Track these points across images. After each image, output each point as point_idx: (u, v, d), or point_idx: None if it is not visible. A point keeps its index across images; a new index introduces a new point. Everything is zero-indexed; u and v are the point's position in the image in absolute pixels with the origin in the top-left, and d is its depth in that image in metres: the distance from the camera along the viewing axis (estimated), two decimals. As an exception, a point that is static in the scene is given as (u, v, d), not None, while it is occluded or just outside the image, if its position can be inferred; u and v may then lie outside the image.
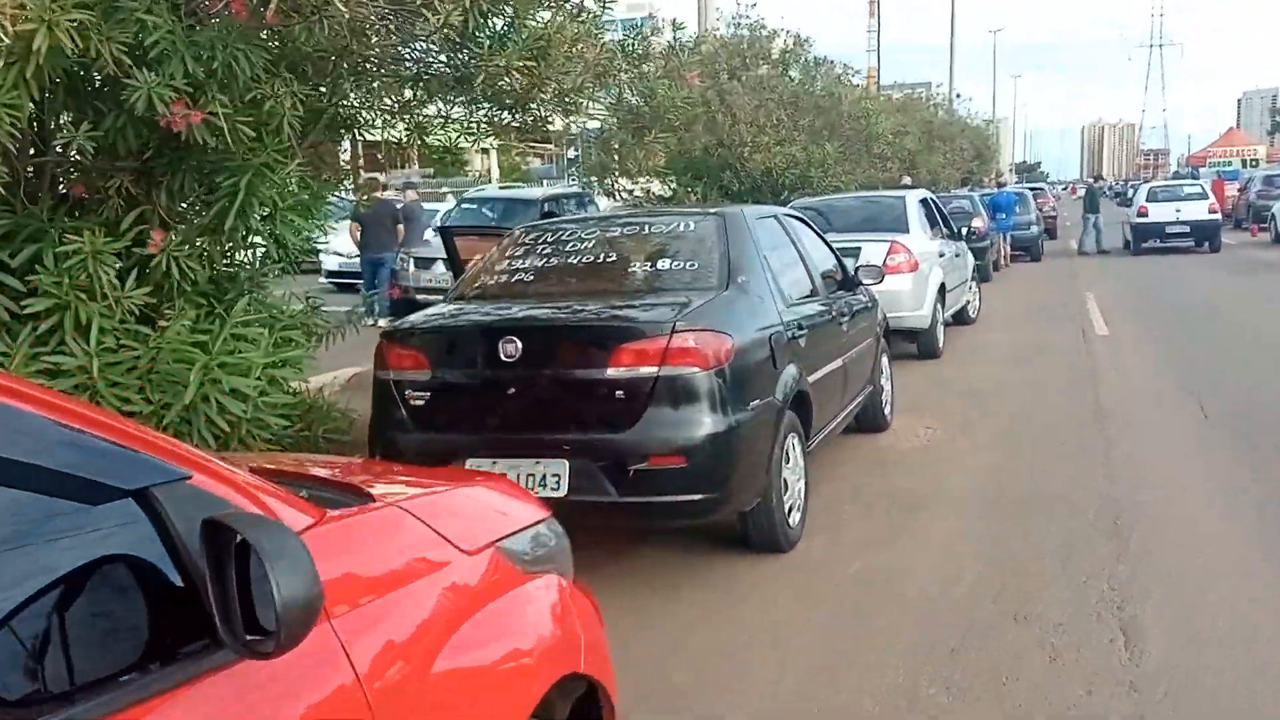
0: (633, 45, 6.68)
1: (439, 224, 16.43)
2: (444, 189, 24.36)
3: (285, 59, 4.83)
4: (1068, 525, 4.94)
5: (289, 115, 4.56)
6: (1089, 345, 10.55)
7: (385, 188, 14.09)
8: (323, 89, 5.43)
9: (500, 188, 22.63)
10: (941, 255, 10.64)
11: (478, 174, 43.19)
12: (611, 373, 4.02)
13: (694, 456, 4.00)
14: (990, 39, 69.65)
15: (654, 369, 3.99)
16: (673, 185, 15.31)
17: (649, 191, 16.48)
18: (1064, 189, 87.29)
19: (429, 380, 4.30)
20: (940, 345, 10.29)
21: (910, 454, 6.51)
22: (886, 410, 7.18)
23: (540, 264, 4.88)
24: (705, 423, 4.02)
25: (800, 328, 4.99)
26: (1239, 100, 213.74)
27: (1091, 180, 34.10)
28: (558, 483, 4.05)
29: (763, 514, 4.50)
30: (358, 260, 13.40)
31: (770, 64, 16.08)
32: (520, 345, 4.12)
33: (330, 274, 15.41)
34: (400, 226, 12.96)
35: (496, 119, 6.99)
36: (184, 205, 4.86)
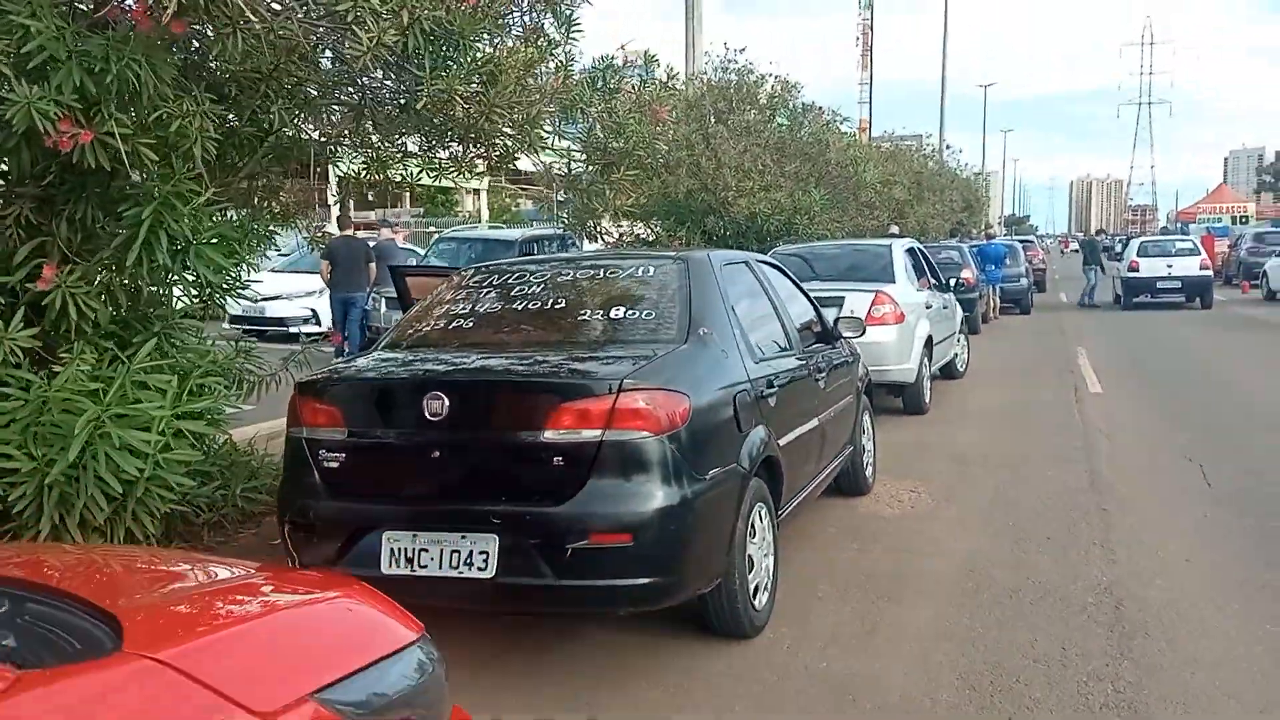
0: (603, 79, 6.27)
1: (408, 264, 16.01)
2: (431, 229, 23.94)
3: (202, 79, 4.37)
4: (1063, 623, 4.42)
5: (201, 138, 4.09)
6: (1082, 405, 10.09)
7: (355, 226, 13.62)
8: (259, 114, 4.97)
9: (489, 227, 22.19)
10: (929, 307, 10.21)
11: (467, 215, 42.94)
12: (549, 436, 3.52)
13: (642, 534, 3.49)
14: (980, 93, 70.11)
15: (597, 433, 3.49)
16: (656, 228, 14.92)
17: (635, 235, 16.15)
18: (1054, 242, 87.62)
19: (344, 440, 3.79)
20: (927, 401, 9.82)
21: (891, 524, 6.00)
22: (868, 472, 6.68)
23: (483, 309, 4.39)
24: (656, 495, 3.52)
25: (771, 385, 4.51)
26: (1225, 159, 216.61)
27: (1094, 234, 33.91)
28: (485, 562, 3.53)
29: (723, 596, 3.98)
30: (263, 305, 13.21)
31: (757, 109, 15.76)
32: (447, 403, 3.62)
33: (234, 319, 13.62)
34: (372, 265, 12.48)
35: (460, 155, 6.59)
36: (86, 237, 4.37)
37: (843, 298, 9.25)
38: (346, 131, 5.64)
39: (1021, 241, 27.33)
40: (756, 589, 4.20)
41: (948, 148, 33.06)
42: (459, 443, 3.64)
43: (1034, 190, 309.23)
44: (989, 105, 68.75)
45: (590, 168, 6.73)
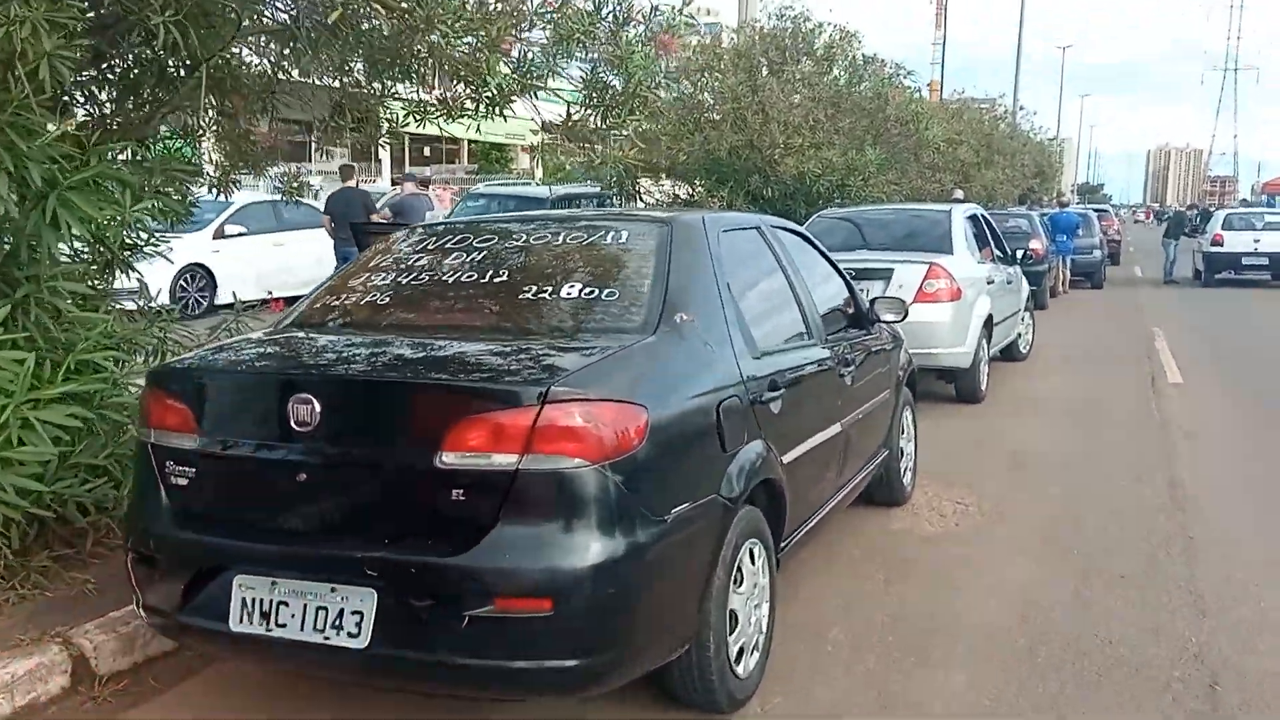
0: (609, 4, 5.28)
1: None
2: (480, 185, 23.07)
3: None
4: (1140, 707, 3.42)
5: (52, 54, 3.19)
6: (1160, 399, 8.92)
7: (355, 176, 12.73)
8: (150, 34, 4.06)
9: (520, 184, 21.19)
10: (990, 282, 9.08)
11: (520, 172, 42.09)
12: (448, 460, 2.60)
13: (567, 600, 2.56)
14: (1059, 55, 67.23)
15: (512, 458, 2.56)
16: (699, 188, 13.86)
17: (675, 195, 15.11)
18: (1129, 212, 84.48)
19: (195, 450, 2.90)
20: (983, 388, 8.73)
21: (930, 546, 5.00)
22: (906, 478, 5.68)
23: (409, 280, 3.46)
24: (589, 546, 2.58)
25: (775, 386, 3.53)
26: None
27: (1186, 207, 31.97)
28: (358, 625, 2.63)
29: (692, 665, 3.05)
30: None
31: (813, 60, 14.57)
32: (317, 408, 2.71)
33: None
34: (375, 217, 11.63)
35: (451, 96, 5.66)
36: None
37: (891, 269, 8.20)
38: (286, 60, 4.72)
39: (1097, 210, 25.72)
40: (741, 651, 3.26)
41: (1020, 109, 31.31)
42: (331, 463, 2.74)
43: (1109, 158, 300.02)
44: (1067, 69, 65.84)
45: (588, 112, 5.74)
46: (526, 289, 3.23)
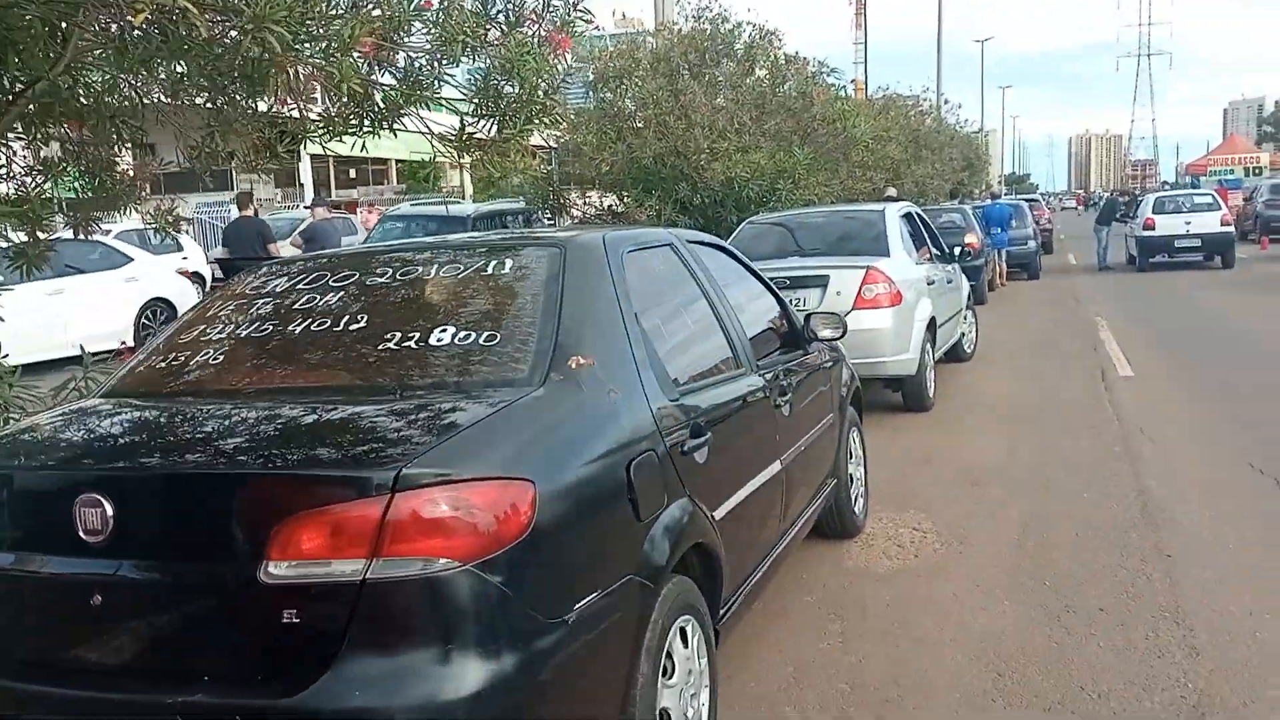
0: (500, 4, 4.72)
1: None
2: (398, 207, 22.20)
3: None
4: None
5: None
6: (1113, 394, 8.56)
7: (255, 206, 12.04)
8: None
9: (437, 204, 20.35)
10: (930, 282, 8.66)
11: (449, 191, 41.33)
12: (276, 572, 2.01)
13: (439, 746, 1.98)
14: (977, 50, 67.99)
15: (358, 565, 1.99)
16: (626, 199, 13.33)
17: (607, 208, 14.59)
18: (1056, 200, 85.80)
19: (-38, 569, 2.27)
20: (931, 395, 8.30)
21: (887, 585, 4.49)
22: (858, 506, 5.18)
23: (245, 335, 2.86)
24: (465, 673, 2.01)
25: (700, 431, 2.99)
26: (1225, 110, 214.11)
27: (1115, 193, 32.17)
28: (172, 794, 2.03)
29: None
30: None
31: (735, 61, 14.16)
32: (109, 512, 2.11)
33: None
34: (272, 247, 10.91)
35: (336, 112, 5.08)
36: None
37: (827, 276, 7.73)
38: (122, 75, 4.08)
39: (1028, 200, 25.73)
40: (674, 753, 2.71)
41: (945, 102, 31.32)
42: (131, 582, 2.13)
43: (1033, 148, 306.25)
44: (986, 62, 66.53)
45: (482, 123, 5.17)
46: (388, 337, 2.64)
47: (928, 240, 9.38)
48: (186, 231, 9.00)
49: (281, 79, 3.44)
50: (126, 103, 4.75)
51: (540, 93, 4.84)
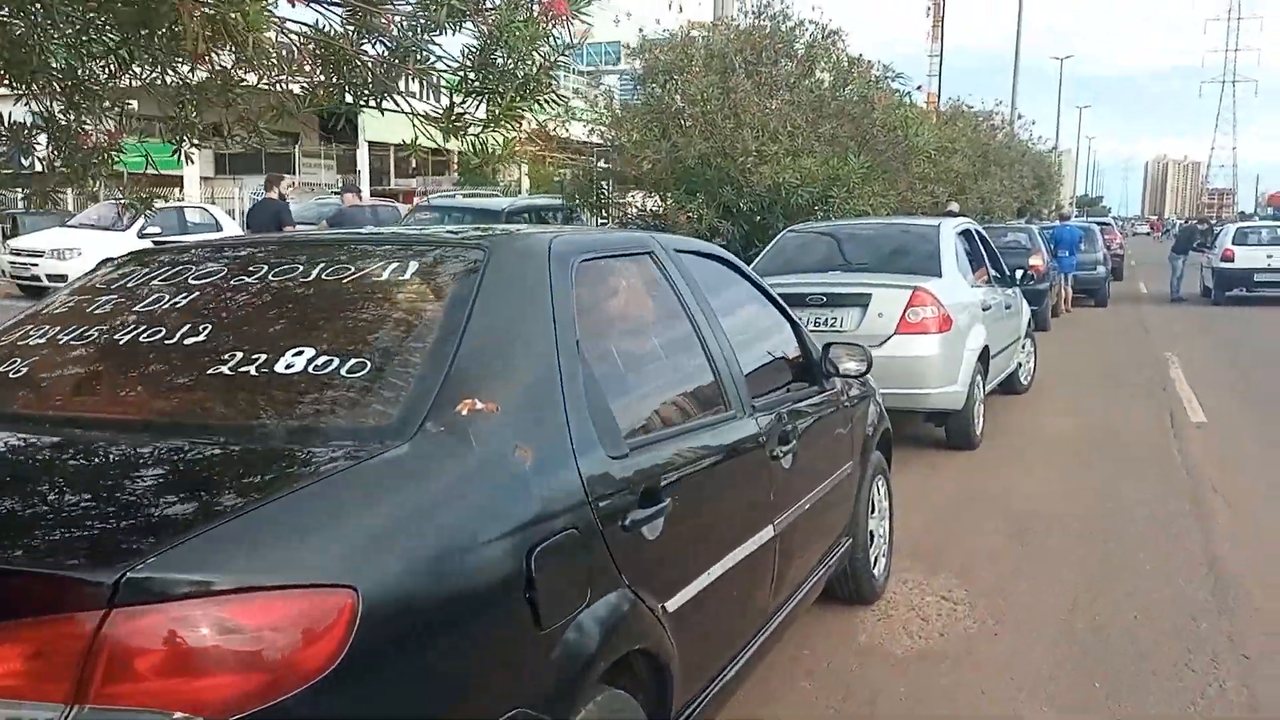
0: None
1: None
2: (431, 197, 21.62)
3: None
4: None
5: None
6: (1182, 441, 7.71)
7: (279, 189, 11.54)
8: None
9: (464, 195, 19.71)
10: (986, 308, 7.87)
11: (508, 185, 41.03)
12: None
13: None
14: (1055, 67, 66.25)
15: (50, 713, 1.34)
16: (669, 200, 12.65)
17: (648, 210, 13.96)
18: (1132, 224, 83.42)
19: None
20: (978, 432, 7.52)
21: (902, 675, 3.78)
22: (878, 569, 4.45)
23: (66, 339, 2.25)
24: None
25: (653, 497, 2.31)
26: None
27: (1190, 220, 30.79)
28: None
29: None
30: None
31: (794, 61, 13.41)
32: None
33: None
34: (288, 230, 10.40)
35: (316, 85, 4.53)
36: None
37: (869, 295, 7.00)
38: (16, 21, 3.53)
39: (1099, 223, 24.58)
40: None
41: (1019, 117, 30.14)
42: None
43: (1108, 171, 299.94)
44: (1064, 81, 64.72)
45: (470, 101, 4.54)
46: (226, 357, 2.00)
47: (986, 261, 8.59)
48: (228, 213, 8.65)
49: (191, 28, 2.84)
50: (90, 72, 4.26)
51: (534, 66, 4.22)
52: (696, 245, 3.42)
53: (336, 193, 12.38)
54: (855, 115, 12.81)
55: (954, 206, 14.41)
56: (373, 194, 31.39)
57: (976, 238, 8.59)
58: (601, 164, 13.54)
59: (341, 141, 36.50)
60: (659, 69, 12.81)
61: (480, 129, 4.49)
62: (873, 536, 4.34)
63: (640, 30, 13.83)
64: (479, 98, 4.29)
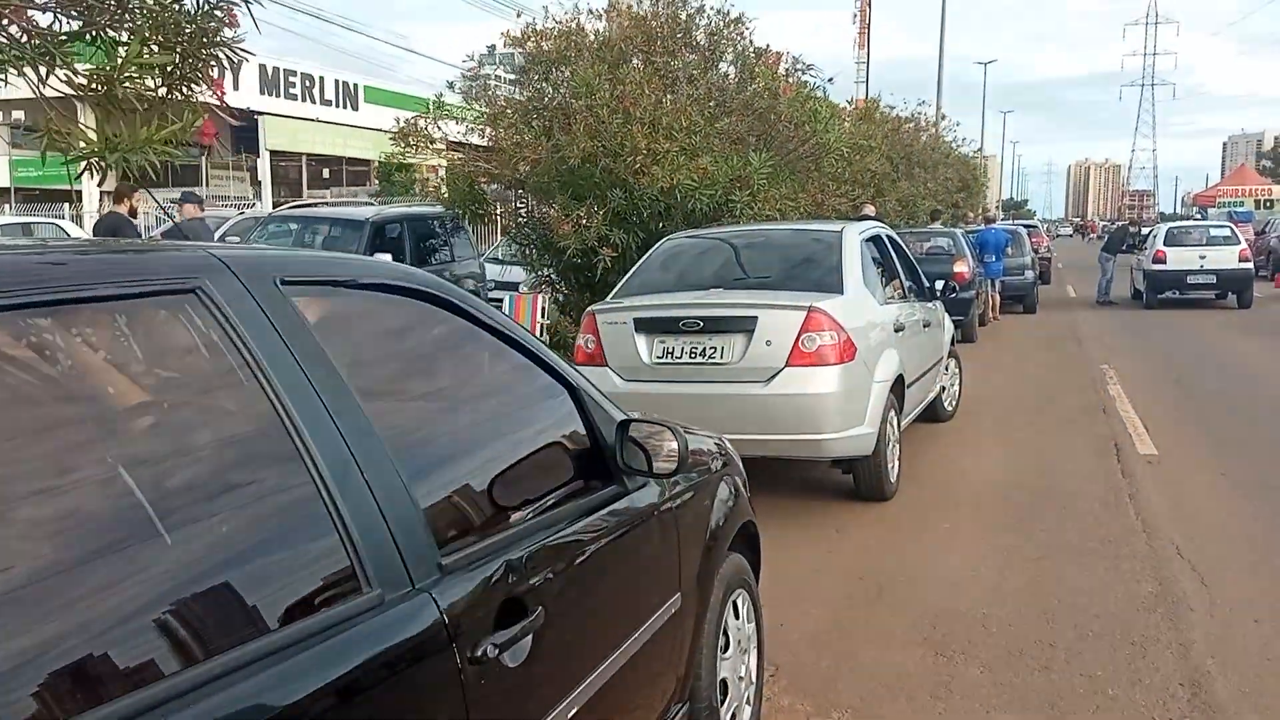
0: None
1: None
2: (285, 207, 19.84)
3: None
4: None
5: None
6: (1134, 483, 6.50)
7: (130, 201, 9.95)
8: None
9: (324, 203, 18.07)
10: (900, 328, 6.59)
11: (430, 192, 39.19)
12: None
13: None
14: (979, 74, 66.26)
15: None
16: (553, 207, 11.23)
17: (534, 216, 12.57)
18: (1055, 226, 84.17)
19: None
20: (894, 478, 6.22)
21: None
22: (739, 723, 3.09)
23: None
24: None
25: None
26: (1225, 144, 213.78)
27: (1125, 222, 30.21)
28: None
29: None
30: None
31: (697, 52, 12.11)
32: None
33: None
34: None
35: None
36: None
37: (754, 318, 5.66)
38: None
39: (1025, 227, 23.75)
40: None
41: (943, 117, 29.24)
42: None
43: (1032, 175, 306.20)
44: (988, 88, 64.61)
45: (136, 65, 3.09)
46: None
47: (900, 272, 7.31)
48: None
49: None
50: None
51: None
52: (361, 271, 2.00)
53: (174, 202, 10.81)
54: (760, 109, 11.51)
55: (869, 210, 13.22)
56: (284, 206, 29.14)
57: (889, 244, 7.32)
58: (482, 165, 12.09)
59: (253, 152, 34.62)
60: (541, 60, 11.41)
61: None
62: (725, 692, 2.96)
63: (519, 15, 12.47)
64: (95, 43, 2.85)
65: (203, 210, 10.86)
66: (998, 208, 67.71)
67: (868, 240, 6.84)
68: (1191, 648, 3.93)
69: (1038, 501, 6.14)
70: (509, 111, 11.22)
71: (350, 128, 37.51)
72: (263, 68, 32.92)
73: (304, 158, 39.33)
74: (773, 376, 5.55)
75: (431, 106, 11.40)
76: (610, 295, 6.59)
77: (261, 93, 33.22)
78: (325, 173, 42.07)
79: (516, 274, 13.44)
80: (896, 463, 6.33)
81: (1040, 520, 5.75)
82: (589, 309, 6.16)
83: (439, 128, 11.60)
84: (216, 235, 16.65)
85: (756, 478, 6.43)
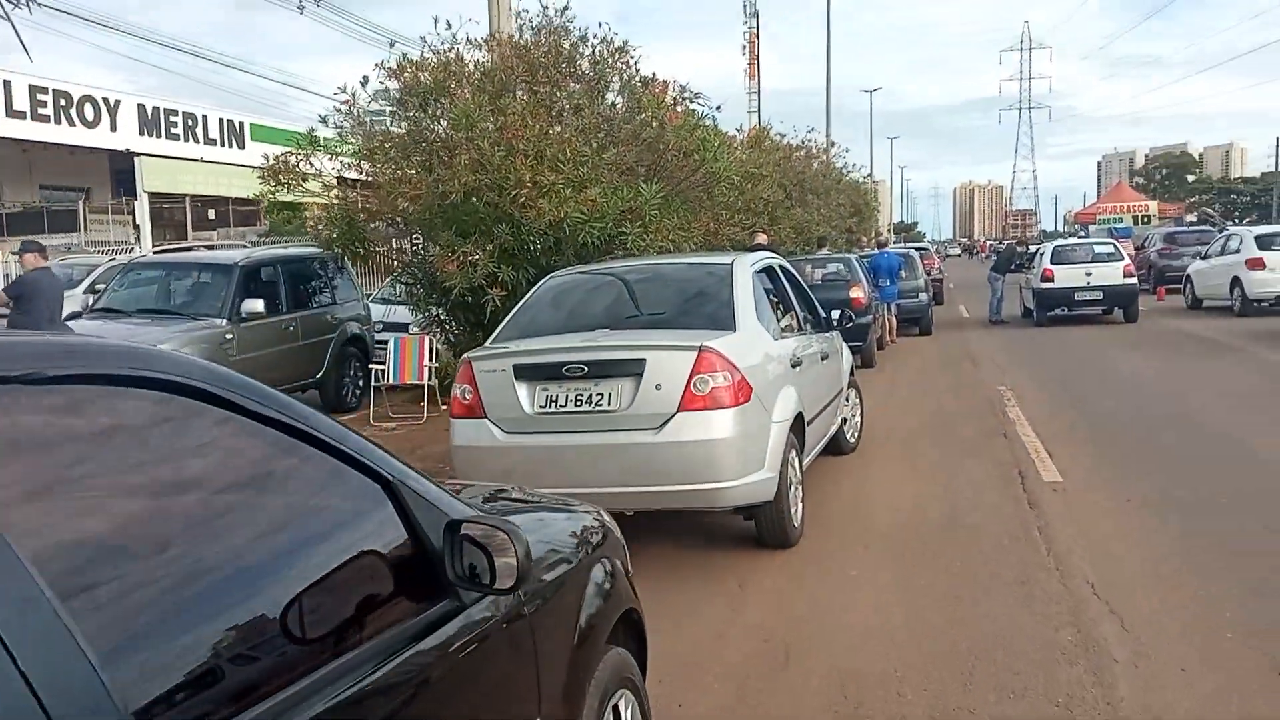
0: None
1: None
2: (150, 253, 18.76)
3: None
4: None
5: None
6: (1041, 512, 6.30)
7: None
8: None
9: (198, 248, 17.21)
10: (797, 363, 6.29)
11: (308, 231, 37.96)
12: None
13: None
14: (867, 105, 67.82)
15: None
16: (438, 244, 10.72)
17: (416, 253, 12.06)
18: (944, 246, 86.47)
19: None
20: (797, 523, 5.89)
21: None
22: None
23: None
24: None
25: None
26: (1099, 162, 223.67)
27: (1013, 241, 30.84)
28: None
29: None
30: None
31: (582, 82, 11.77)
32: None
33: None
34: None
35: None
36: None
37: (643, 361, 5.27)
38: None
39: (917, 249, 24.03)
40: None
41: (832, 144, 29.58)
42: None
43: (920, 198, 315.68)
44: (875, 114, 66.30)
45: None
46: None
47: (795, 304, 7.03)
48: None
49: None
50: None
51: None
52: (59, 358, 1.51)
53: (14, 254, 10.01)
54: (648, 139, 11.22)
55: (762, 238, 13.01)
56: (166, 250, 27.88)
57: (782, 275, 7.03)
58: (361, 203, 11.53)
59: (134, 194, 33.13)
60: (419, 91, 10.93)
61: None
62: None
63: (392, 45, 11.99)
64: None
65: (46, 259, 10.03)
66: (890, 231, 69.19)
67: (760, 272, 6.54)
68: (1119, 706, 3.64)
69: (946, 539, 5.87)
70: (386, 146, 10.72)
71: (236, 166, 36.24)
72: (141, 107, 31.61)
73: (187, 199, 37.87)
74: (664, 423, 5.18)
75: (301, 142, 10.80)
76: (490, 339, 6.15)
77: (141, 133, 31.82)
78: (211, 214, 40.54)
79: (405, 314, 12.88)
80: (800, 505, 6.01)
81: (950, 559, 5.47)
82: (464, 356, 5.70)
83: (311, 164, 11.02)
84: (85, 283, 15.68)
85: (653, 529, 6.07)
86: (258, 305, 10.33)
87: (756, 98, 69.47)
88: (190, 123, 34.74)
